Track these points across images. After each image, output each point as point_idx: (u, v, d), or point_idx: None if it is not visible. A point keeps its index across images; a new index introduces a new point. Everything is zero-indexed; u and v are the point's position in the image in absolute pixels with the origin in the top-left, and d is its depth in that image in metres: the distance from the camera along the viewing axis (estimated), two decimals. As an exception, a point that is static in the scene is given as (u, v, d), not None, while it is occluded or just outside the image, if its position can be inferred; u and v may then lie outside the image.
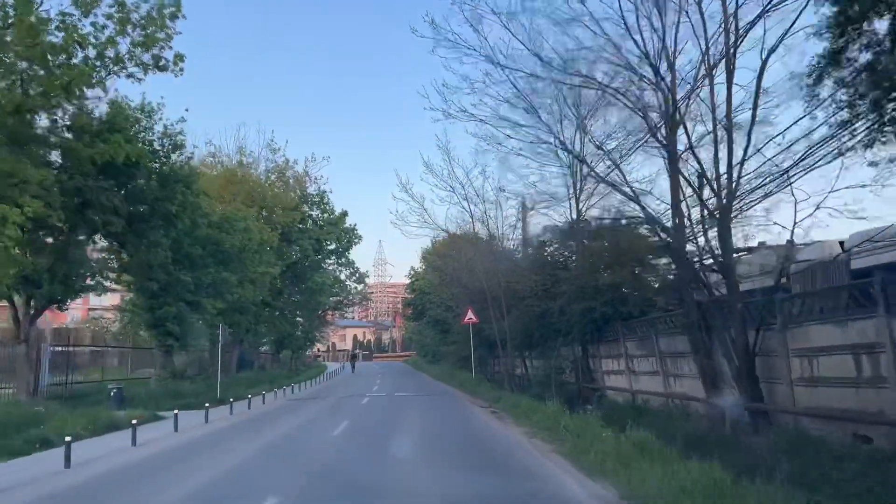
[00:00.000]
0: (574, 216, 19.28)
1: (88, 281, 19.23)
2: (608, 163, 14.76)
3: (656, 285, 15.44)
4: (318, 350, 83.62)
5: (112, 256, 21.22)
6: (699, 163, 11.60)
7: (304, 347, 52.68)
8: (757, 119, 10.58)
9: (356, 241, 36.72)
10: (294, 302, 43.50)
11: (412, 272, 49.61)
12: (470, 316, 25.48)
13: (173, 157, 19.20)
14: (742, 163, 10.74)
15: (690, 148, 11.82)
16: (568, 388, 18.91)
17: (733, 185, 10.80)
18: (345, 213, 36.90)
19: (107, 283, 21.10)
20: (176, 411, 14.35)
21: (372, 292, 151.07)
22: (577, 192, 19.00)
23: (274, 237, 30.10)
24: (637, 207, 13.10)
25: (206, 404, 16.62)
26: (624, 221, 14.55)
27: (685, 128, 12.02)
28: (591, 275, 16.68)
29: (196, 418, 15.46)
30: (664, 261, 14.56)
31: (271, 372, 42.07)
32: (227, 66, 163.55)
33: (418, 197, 23.26)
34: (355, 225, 36.82)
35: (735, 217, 11.28)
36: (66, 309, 21.15)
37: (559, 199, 19.49)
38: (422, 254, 49.05)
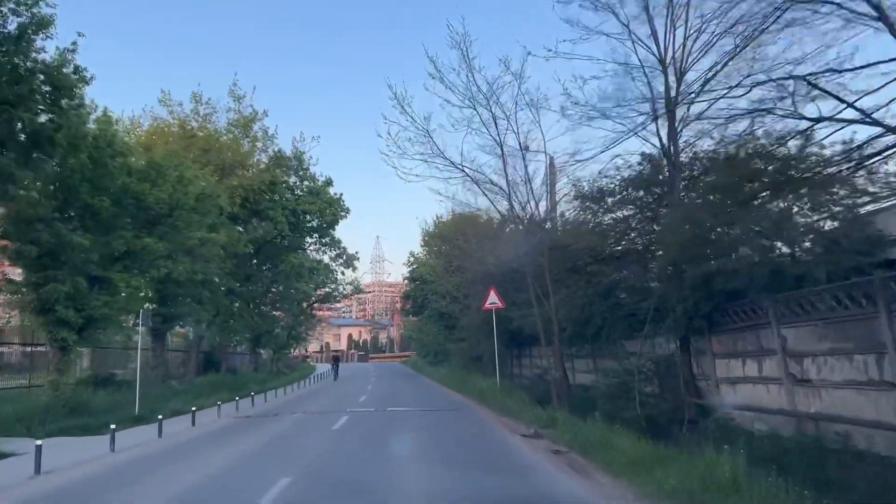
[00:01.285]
0: (665, 140, 12.40)
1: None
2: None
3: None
4: (307, 351, 76.56)
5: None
6: None
7: (287, 347, 45.74)
8: None
9: (342, 214, 29.90)
10: (269, 291, 36.56)
11: (411, 258, 42.86)
12: (492, 300, 18.58)
13: (39, 46, 12.23)
14: None
15: None
16: (650, 404, 12.04)
17: None
18: (329, 182, 30.09)
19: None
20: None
21: (370, 291, 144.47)
22: (674, 99, 12.11)
23: (221, 188, 23.17)
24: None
25: (113, 425, 11.16)
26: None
27: None
28: (716, 216, 9.83)
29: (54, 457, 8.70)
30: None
31: (244, 376, 35.27)
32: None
33: (421, 119, 15.74)
34: (341, 195, 30.05)
35: None
36: None
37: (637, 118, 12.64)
38: (422, 236, 42.24)
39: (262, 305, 37.11)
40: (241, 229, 25.28)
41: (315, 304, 48.35)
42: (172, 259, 17.57)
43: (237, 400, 19.40)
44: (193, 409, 16.01)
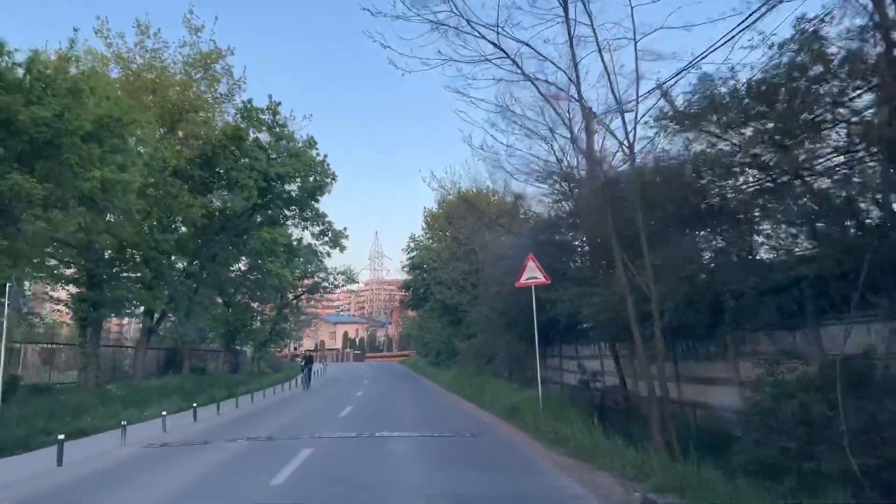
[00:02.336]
0: None
1: None
2: None
3: None
4: (295, 349, 70.98)
5: None
6: None
7: (268, 343, 40.16)
8: None
9: (328, 182, 24.31)
10: (245, 279, 30.93)
11: (411, 242, 37.17)
12: (531, 273, 12.83)
13: None
14: None
15: None
16: (869, 446, 6.36)
17: None
18: (311, 142, 24.39)
19: None
20: None
21: (368, 289, 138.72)
22: None
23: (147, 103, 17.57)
24: None
25: None
26: None
27: None
28: None
29: None
30: None
31: (214, 377, 29.77)
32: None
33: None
34: (325, 157, 24.34)
35: None
36: None
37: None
38: (424, 216, 36.62)
39: (235, 294, 31.56)
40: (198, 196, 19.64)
41: (303, 296, 42.83)
42: (62, 209, 11.93)
43: (163, 416, 13.75)
44: (120, 424, 10.41)
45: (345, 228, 27.12)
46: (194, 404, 15.64)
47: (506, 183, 19.21)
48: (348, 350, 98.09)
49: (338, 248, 27.09)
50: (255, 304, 36.31)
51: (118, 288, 19.29)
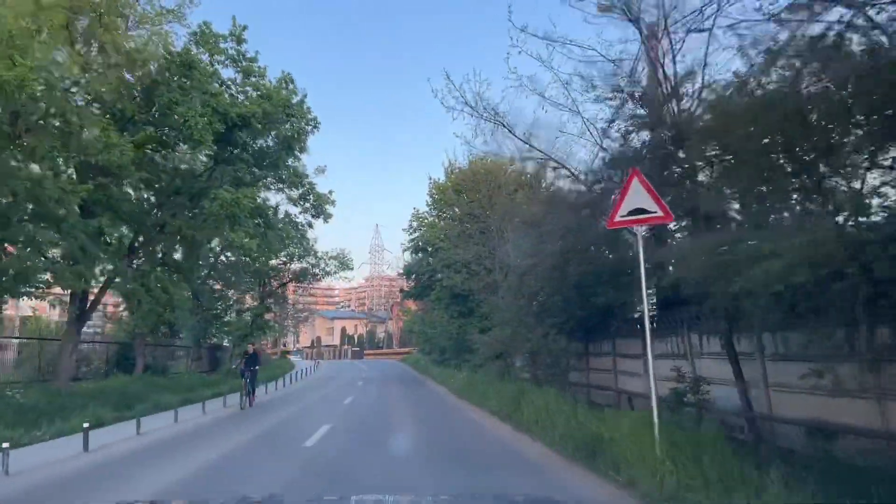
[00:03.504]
0: None
1: None
2: None
3: None
4: (286, 344, 65.69)
5: None
6: None
7: (249, 338, 34.78)
8: None
9: (309, 129, 18.86)
10: (215, 265, 25.61)
11: (413, 221, 31.72)
12: (639, 201, 6.91)
13: None
14: None
15: None
16: None
17: None
18: (288, 79, 18.93)
19: None
20: None
21: (369, 285, 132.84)
22: None
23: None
24: None
25: None
26: None
27: None
28: None
29: None
30: None
31: (171, 378, 24.69)
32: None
33: None
34: (305, 98, 18.78)
35: None
36: None
37: None
38: (430, 188, 31.22)
39: (199, 276, 26.23)
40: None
41: (289, 284, 37.50)
42: None
43: (4, 449, 8.38)
44: None
45: (330, 192, 21.70)
46: (85, 424, 10.32)
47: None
48: (346, 347, 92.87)
49: (322, 217, 21.59)
50: (232, 293, 31.02)
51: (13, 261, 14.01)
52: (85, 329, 21.68)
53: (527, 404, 11.99)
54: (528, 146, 13.13)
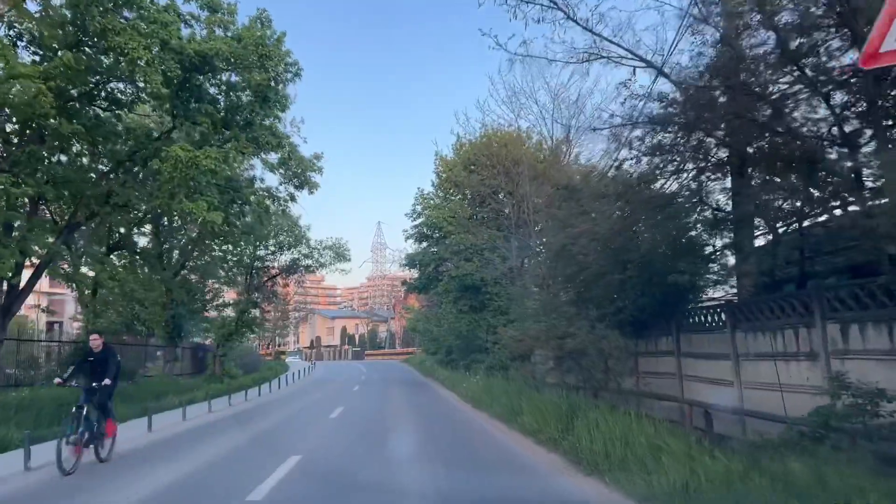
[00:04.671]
0: None
1: None
2: None
3: None
4: (279, 344, 62.04)
5: None
6: None
7: (235, 337, 31.17)
8: None
9: (288, 77, 15.16)
10: (191, 254, 21.95)
11: (417, 204, 27.87)
12: None
13: None
14: None
15: None
16: None
17: None
18: (263, 18, 15.22)
19: None
20: None
21: (372, 285, 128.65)
22: None
23: None
24: None
25: None
26: None
27: None
28: None
29: None
30: None
31: (142, 385, 21.28)
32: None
33: None
34: (284, 34, 15.04)
35: None
36: None
37: None
38: (437, 166, 27.51)
39: (162, 265, 22.62)
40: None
41: (279, 277, 33.81)
42: None
43: None
44: None
45: (316, 157, 17.75)
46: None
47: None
48: (346, 347, 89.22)
49: (306, 188, 17.70)
50: (211, 284, 27.36)
51: None
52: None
53: (584, 426, 8.27)
54: (595, 37, 9.28)
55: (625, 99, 8.90)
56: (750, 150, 8.88)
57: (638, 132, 10.20)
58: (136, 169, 15.91)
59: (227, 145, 15.52)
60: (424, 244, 29.19)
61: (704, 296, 13.43)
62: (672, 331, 12.23)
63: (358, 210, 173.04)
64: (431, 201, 27.13)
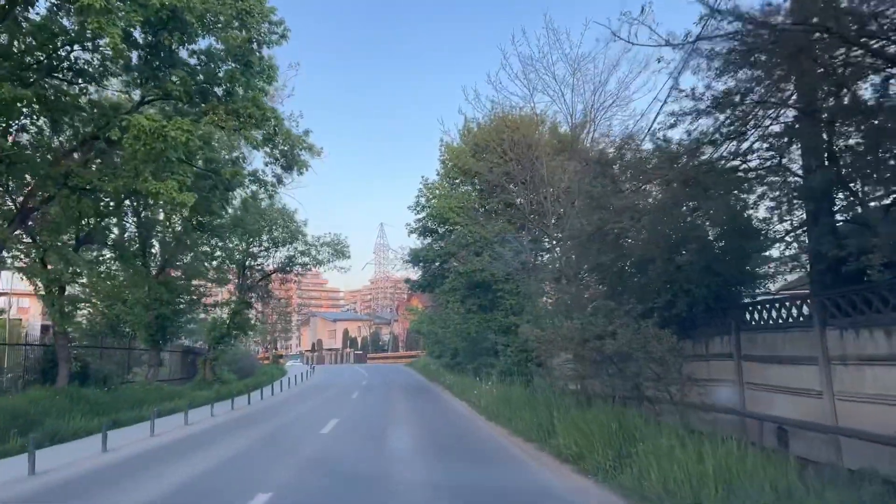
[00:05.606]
0: None
1: None
2: None
3: None
4: (276, 347, 59.95)
5: None
6: None
7: (227, 339, 29.11)
8: None
9: (271, 40, 13.07)
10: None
11: (421, 196, 25.67)
12: None
13: None
14: None
15: None
16: None
17: None
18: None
19: None
20: None
21: (375, 287, 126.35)
22: None
23: None
24: None
25: None
26: None
27: None
28: None
29: None
30: None
31: (118, 392, 19.29)
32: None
33: None
34: None
35: None
36: None
37: None
38: (442, 154, 25.44)
39: (141, 262, 20.62)
40: None
41: (274, 276, 31.73)
42: None
43: None
44: None
45: (306, 133, 15.56)
46: None
47: None
48: (348, 350, 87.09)
49: (295, 168, 15.41)
50: (198, 283, 25.28)
51: None
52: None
53: (648, 453, 6.17)
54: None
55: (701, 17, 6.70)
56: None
57: (700, 83, 8.11)
58: (101, 146, 13.87)
59: (203, 119, 13.46)
60: (429, 239, 27.08)
61: (765, 286, 11.38)
62: (730, 329, 10.12)
63: (360, 212, 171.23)
64: (436, 191, 25.01)
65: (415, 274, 29.44)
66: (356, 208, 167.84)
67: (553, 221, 20.07)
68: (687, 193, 9.20)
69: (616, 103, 18.21)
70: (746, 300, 10.48)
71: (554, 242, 17.66)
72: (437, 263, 25.99)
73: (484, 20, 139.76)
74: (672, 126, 10.03)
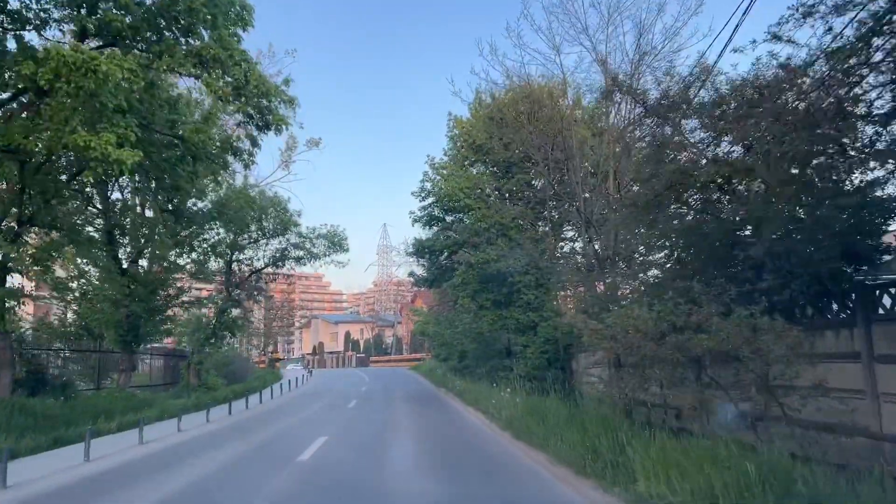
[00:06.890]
0: None
1: None
2: None
3: None
4: (272, 352, 57.05)
5: None
6: None
7: (213, 341, 26.39)
8: None
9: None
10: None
11: (427, 180, 22.80)
12: None
13: None
14: None
15: None
16: None
17: None
18: None
19: None
20: None
21: (378, 289, 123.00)
22: None
23: None
24: None
25: None
26: None
27: None
28: None
29: None
30: None
31: (62, 405, 16.49)
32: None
33: None
34: None
35: None
36: None
37: None
38: (450, 128, 22.66)
39: (105, 249, 17.92)
40: None
41: (264, 271, 28.94)
42: None
43: None
44: None
45: (286, 81, 12.64)
46: None
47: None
48: (350, 353, 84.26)
49: (272, 128, 12.47)
50: (176, 278, 22.50)
51: None
52: None
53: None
54: None
55: None
56: None
57: None
58: (35, 102, 11.11)
59: (156, 63, 10.70)
60: (435, 229, 24.23)
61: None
62: (856, 320, 7.35)
63: (362, 215, 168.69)
64: (444, 171, 22.13)
65: (420, 268, 26.62)
66: (358, 212, 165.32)
67: (577, 206, 17.16)
68: (801, 136, 6.39)
69: (663, 55, 15.23)
70: (878, 280, 7.69)
71: (584, 227, 14.84)
72: (444, 255, 23.13)
73: (484, 21, 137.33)
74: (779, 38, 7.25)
